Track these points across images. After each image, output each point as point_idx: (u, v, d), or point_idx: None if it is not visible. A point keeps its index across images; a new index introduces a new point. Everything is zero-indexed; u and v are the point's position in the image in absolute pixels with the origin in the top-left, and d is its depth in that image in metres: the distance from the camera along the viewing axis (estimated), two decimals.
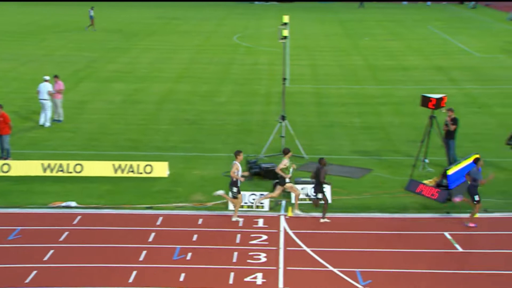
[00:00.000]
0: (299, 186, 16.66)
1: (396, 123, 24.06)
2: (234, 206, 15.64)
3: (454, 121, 18.37)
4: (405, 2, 75.19)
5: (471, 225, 15.01)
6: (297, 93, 28.72)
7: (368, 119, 24.70)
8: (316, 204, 15.56)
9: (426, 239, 14.40)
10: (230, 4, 71.19)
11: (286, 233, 14.76)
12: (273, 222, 15.36)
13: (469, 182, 15.10)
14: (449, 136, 18.47)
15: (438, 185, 16.75)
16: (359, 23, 55.01)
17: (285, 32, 19.16)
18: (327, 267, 13.05)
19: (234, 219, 15.48)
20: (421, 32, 49.58)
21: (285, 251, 13.79)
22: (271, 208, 16.14)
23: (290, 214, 15.77)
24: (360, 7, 68.47)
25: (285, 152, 15.90)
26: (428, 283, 12.45)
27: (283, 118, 19.79)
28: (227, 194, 15.61)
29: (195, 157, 20.17)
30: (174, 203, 16.50)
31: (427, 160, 18.55)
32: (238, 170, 15.28)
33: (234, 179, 15.28)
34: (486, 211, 15.76)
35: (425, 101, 17.99)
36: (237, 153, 15.47)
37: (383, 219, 15.60)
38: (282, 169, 15.66)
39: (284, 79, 20.25)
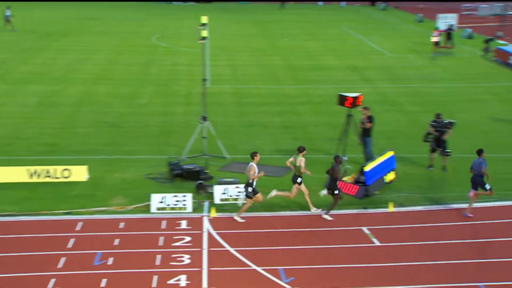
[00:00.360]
0: (221, 187, 16.72)
1: (315, 122, 24.61)
2: (242, 206, 15.61)
3: (370, 119, 19.00)
4: (320, 3, 76.92)
5: (470, 215, 15.59)
6: (218, 94, 28.78)
7: (288, 119, 25.12)
8: (339, 198, 15.66)
9: (346, 235, 14.84)
10: (148, 4, 70.20)
11: (209, 234, 14.78)
12: (196, 223, 15.34)
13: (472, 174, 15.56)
14: (366, 133, 19.09)
15: (356, 182, 17.28)
16: (276, 24, 55.74)
17: (204, 33, 19.16)
18: (250, 266, 13.19)
19: (236, 218, 15.45)
20: (337, 32, 50.91)
21: (209, 252, 13.82)
22: (194, 209, 16.11)
23: (213, 214, 15.80)
24: (281, 8, 69.43)
25: (300, 150, 15.90)
26: (348, 277, 12.84)
27: (204, 118, 19.79)
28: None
29: (116, 160, 19.80)
30: (94, 208, 16.13)
31: (345, 158, 19.09)
32: (255, 172, 15.24)
33: (250, 180, 15.21)
34: (401, 205, 16.41)
35: (342, 100, 18.54)
36: (253, 154, 15.46)
37: (304, 216, 15.92)
38: (291, 164, 15.78)
39: (204, 79, 20.25)
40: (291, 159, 16.08)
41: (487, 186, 15.53)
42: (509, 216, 15.73)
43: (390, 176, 17.94)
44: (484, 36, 43.15)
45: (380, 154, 18.01)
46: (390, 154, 18.14)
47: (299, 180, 15.95)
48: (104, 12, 62.10)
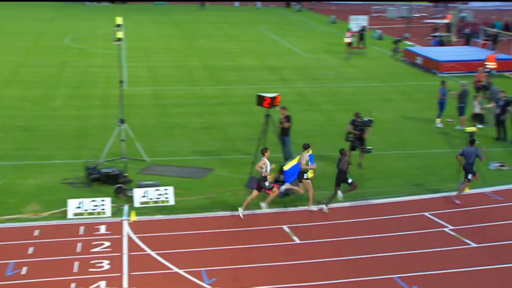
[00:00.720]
0: (141, 190, 16.49)
1: (234, 122, 24.73)
2: (267, 198, 15.94)
3: (288, 118, 19.32)
4: (236, 4, 77.40)
5: (458, 202, 16.48)
6: (136, 96, 28.33)
7: (207, 119, 25.10)
8: (353, 188, 16.19)
9: (267, 234, 15.02)
10: (59, 4, 67.95)
11: (129, 238, 14.53)
12: (115, 228, 15.04)
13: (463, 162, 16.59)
14: (284, 133, 19.40)
15: (276, 181, 17.50)
16: (194, 25, 55.56)
17: (119, 34, 18.82)
18: (172, 269, 13.08)
19: (263, 206, 15.92)
20: (254, 33, 51.38)
21: (129, 257, 13.58)
22: (113, 214, 15.78)
23: (133, 218, 15.55)
24: (201, 8, 69.23)
25: (305, 147, 16.32)
26: (269, 275, 13.00)
27: (122, 121, 19.43)
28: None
29: (28, 166, 19.07)
30: (6, 216, 15.45)
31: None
32: (265, 165, 15.62)
33: (264, 175, 15.62)
34: (320, 202, 16.79)
35: (260, 100, 18.75)
36: (264, 150, 15.93)
37: (226, 217, 15.98)
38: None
39: (121, 81, 19.88)
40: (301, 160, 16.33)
41: (469, 177, 16.64)
42: (420, 210, 16.43)
43: (308, 175, 18.28)
44: (393, 37, 44.89)
45: (299, 153, 18.33)
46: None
47: (305, 176, 16.26)
48: (12, 11, 59.57)
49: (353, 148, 19.24)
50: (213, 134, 23.16)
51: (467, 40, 42.88)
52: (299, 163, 16.71)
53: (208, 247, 14.19)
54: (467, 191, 17.23)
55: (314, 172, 18.53)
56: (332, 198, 16.31)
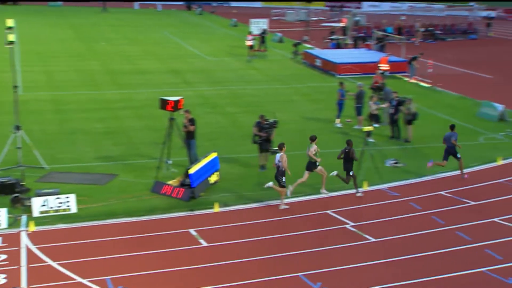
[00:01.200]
0: (40, 199, 15.87)
1: (138, 126, 24.35)
2: (281, 195, 16.65)
3: (192, 121, 19.28)
4: (137, 6, 76.23)
5: (466, 176, 18.68)
6: (32, 101, 27.20)
7: (110, 124, 24.55)
8: (347, 181, 17.40)
9: (173, 238, 14.92)
10: None
11: (28, 249, 13.94)
12: (13, 240, 14.37)
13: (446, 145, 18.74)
14: (189, 136, 19.34)
15: (182, 185, 17.45)
16: (93, 28, 54.12)
17: (11, 37, 17.99)
18: (75, 279, 12.69)
19: (282, 207, 16.58)
20: (156, 36, 50.82)
21: (29, 269, 13.03)
22: (10, 225, 15.06)
23: (32, 228, 14.91)
24: (103, 11, 67.49)
25: (313, 139, 17.33)
26: (178, 280, 12.93)
27: (18, 128, 18.58)
28: (276, 185, 16.62)
29: None
30: None
31: (170, 161, 19.17)
32: (286, 161, 16.48)
33: (283, 169, 16.32)
34: (226, 205, 16.90)
35: (164, 104, 18.60)
36: (281, 145, 16.69)
37: (131, 223, 15.71)
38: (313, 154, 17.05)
39: (15, 86, 19.02)
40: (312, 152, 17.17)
41: (458, 155, 18.67)
42: (322, 208, 16.94)
43: (214, 177, 18.39)
44: (293, 40, 45.97)
45: (204, 156, 18.39)
46: (213, 155, 18.59)
47: (317, 163, 17.30)
48: None
49: (262, 151, 19.47)
50: (117, 139, 22.68)
51: (355, 43, 44.63)
52: (207, 165, 16.75)
53: (113, 254, 13.90)
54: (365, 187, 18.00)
55: (220, 175, 18.65)
56: (356, 182, 17.56)
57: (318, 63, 37.60)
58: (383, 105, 24.23)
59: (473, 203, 16.99)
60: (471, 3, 60.35)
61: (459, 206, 16.85)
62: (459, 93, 30.22)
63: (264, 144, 19.34)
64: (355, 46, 44.18)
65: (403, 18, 52.56)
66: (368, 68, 34.47)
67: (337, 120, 24.86)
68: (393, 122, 22.95)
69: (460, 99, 29.31)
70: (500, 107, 25.13)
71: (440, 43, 48.31)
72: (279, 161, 16.52)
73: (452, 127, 19.07)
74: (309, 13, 57.93)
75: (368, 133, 18.72)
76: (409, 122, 22.37)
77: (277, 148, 19.15)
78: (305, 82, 33.96)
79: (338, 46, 44.54)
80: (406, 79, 34.10)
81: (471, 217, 16.05)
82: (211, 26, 60.24)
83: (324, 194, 17.67)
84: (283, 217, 16.29)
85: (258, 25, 49.45)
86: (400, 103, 22.69)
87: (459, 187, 18.17)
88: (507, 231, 15.14)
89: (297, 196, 17.52)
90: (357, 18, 52.69)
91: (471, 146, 21.90)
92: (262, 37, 43.75)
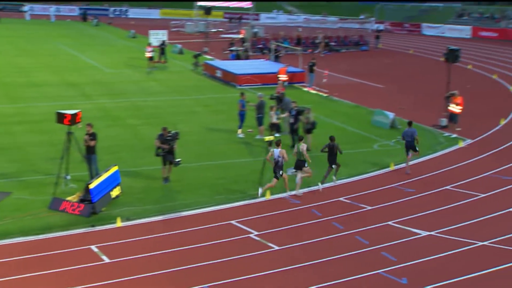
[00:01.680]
0: None
1: (34, 142, 23.40)
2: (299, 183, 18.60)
3: (93, 136, 18.81)
4: (28, 17, 73.33)
5: (409, 171, 20.46)
6: None
7: (3, 140, 23.42)
8: (337, 169, 19.41)
9: (75, 256, 14.45)
10: None
11: None
12: None
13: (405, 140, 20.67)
14: (90, 151, 18.83)
15: (82, 200, 16.96)
16: None
17: None
18: None
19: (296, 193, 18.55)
20: (50, 48, 49.14)
21: None
22: None
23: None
24: None
25: (300, 138, 18.96)
26: None
27: None
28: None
29: None
30: None
31: (68, 177, 18.57)
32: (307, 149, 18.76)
33: (282, 164, 18.18)
34: (129, 219, 16.62)
35: (60, 117, 18.01)
36: (278, 142, 18.42)
37: (28, 242, 15.06)
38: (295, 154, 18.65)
39: None
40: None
41: (417, 148, 20.65)
42: (227, 218, 17.07)
43: (116, 191, 18.03)
44: (192, 52, 46.03)
45: (105, 170, 17.99)
46: (114, 169, 18.23)
47: (305, 164, 18.67)
48: None
49: (165, 163, 19.28)
50: (11, 155, 21.67)
51: (246, 56, 45.08)
52: (107, 179, 16.37)
53: (10, 276, 13.25)
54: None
55: (121, 189, 18.32)
56: (337, 171, 19.47)
57: (218, 74, 37.89)
58: (283, 115, 24.83)
59: (369, 207, 17.77)
60: (361, 16, 63.33)
61: (357, 211, 17.56)
62: (354, 102, 31.54)
63: (167, 156, 19.20)
64: (247, 58, 44.64)
65: (300, 30, 54.13)
66: (267, 79, 35.19)
67: (239, 131, 25.16)
68: (293, 131, 23.56)
69: (355, 107, 30.60)
70: (391, 115, 26.49)
71: (335, 54, 50.23)
72: (279, 156, 18.16)
73: (410, 123, 20.93)
74: (208, 24, 58.33)
75: (270, 143, 19.15)
76: (308, 131, 23.05)
77: (180, 160, 19.13)
78: (206, 93, 34.11)
79: (238, 57, 45.10)
80: (306, 89, 35.13)
81: (368, 221, 16.79)
82: (109, 38, 59.06)
83: (297, 194, 18.76)
84: (187, 229, 16.24)
85: (157, 37, 49.10)
86: (299, 112, 23.35)
87: (357, 192, 18.94)
88: (400, 234, 15.96)
89: (202, 207, 17.54)
90: (255, 30, 53.63)
91: (366, 153, 22.92)
92: (161, 49, 43.50)
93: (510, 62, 43.80)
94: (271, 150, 18.37)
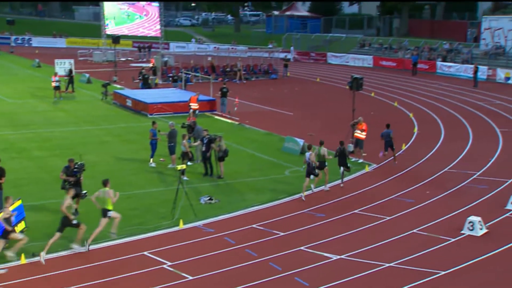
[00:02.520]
0: None
1: None
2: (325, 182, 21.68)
3: (1, 172, 17.98)
4: None
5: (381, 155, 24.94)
6: None
7: None
8: (343, 172, 22.07)
9: None
10: None
11: None
12: None
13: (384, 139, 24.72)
14: None
15: None
16: None
17: None
18: None
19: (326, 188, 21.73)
20: None
21: None
22: None
23: None
24: None
25: (309, 147, 21.47)
26: None
27: None
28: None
29: None
30: None
31: None
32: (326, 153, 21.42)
33: (314, 165, 20.80)
34: (35, 255, 15.92)
35: None
36: (310, 146, 21.41)
37: None
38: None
39: None
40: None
41: (394, 147, 24.77)
42: (140, 250, 16.76)
43: (20, 226, 17.24)
44: (101, 81, 45.22)
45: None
46: (18, 203, 17.47)
47: (325, 164, 21.34)
48: None
49: (76, 196, 18.59)
50: None
51: (146, 84, 44.29)
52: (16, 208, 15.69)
53: None
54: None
55: (26, 224, 17.56)
56: (343, 176, 22.27)
57: (129, 103, 37.40)
58: (195, 143, 24.84)
59: (282, 234, 18.03)
60: (270, 45, 64.80)
61: (270, 238, 17.77)
62: (265, 129, 32.08)
63: (76, 188, 18.62)
64: (147, 86, 44.05)
65: (210, 58, 54.55)
66: (178, 107, 35.13)
67: (151, 160, 24.89)
68: (206, 159, 23.61)
69: (266, 135, 31.12)
70: (301, 141, 27.17)
71: (247, 82, 50.98)
72: (309, 159, 20.69)
73: (388, 125, 25.04)
74: (117, 53, 57.56)
75: (182, 171, 19.03)
76: (220, 159, 23.17)
77: (86, 192, 18.44)
78: (116, 122, 33.54)
79: (148, 86, 44.71)
80: (217, 117, 35.33)
81: (281, 247, 17.02)
82: (11, 67, 56.94)
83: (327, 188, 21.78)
84: (98, 262, 15.79)
85: (63, 66, 47.81)
86: (211, 140, 23.46)
87: (269, 219, 19.17)
88: (312, 258, 16.28)
89: (113, 240, 17.11)
90: (165, 59, 53.51)
91: (278, 179, 23.32)
92: (70, 78, 42.43)
93: (409, 90, 46.24)
94: (312, 151, 21.04)
